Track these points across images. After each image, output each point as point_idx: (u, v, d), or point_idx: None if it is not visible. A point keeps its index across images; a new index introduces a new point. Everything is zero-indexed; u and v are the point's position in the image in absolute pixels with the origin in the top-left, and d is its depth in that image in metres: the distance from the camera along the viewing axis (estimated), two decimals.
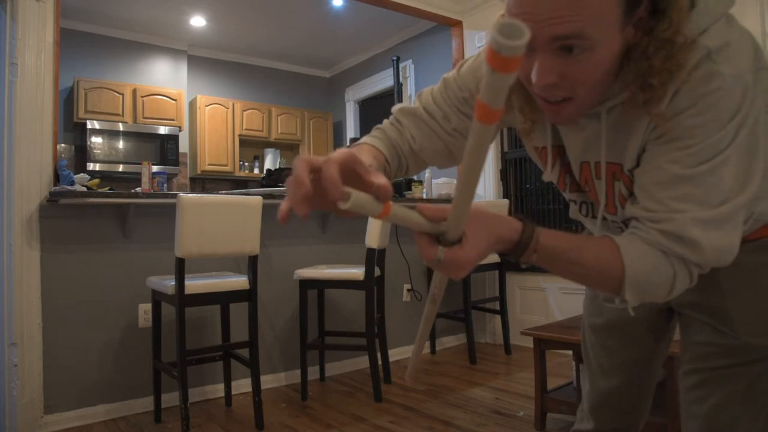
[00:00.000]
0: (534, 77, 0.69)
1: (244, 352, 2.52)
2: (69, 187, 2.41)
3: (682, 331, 0.98)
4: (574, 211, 0.99)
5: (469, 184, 0.60)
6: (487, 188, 4.02)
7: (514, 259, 0.73)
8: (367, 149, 0.89)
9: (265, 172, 4.17)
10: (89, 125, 4.74)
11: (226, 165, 5.62)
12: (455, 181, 4.00)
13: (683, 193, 0.71)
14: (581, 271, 0.75)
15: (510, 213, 3.75)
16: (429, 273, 3.69)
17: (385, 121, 0.98)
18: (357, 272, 2.72)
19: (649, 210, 0.74)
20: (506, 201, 3.68)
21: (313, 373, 3.10)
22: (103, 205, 2.58)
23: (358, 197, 0.57)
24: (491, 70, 0.46)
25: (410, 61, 5.13)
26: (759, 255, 0.86)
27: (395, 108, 0.97)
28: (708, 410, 0.89)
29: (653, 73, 0.69)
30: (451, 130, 0.92)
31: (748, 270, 0.86)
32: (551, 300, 3.67)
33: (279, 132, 6.00)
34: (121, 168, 4.86)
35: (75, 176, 2.54)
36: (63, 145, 4.78)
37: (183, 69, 5.49)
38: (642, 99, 0.71)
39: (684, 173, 0.71)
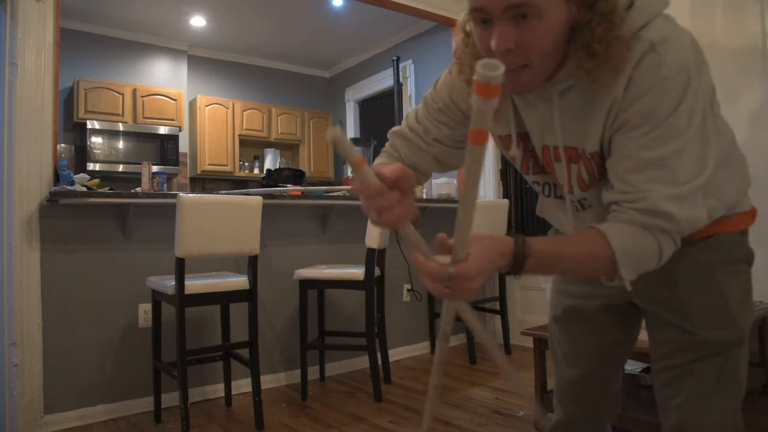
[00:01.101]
0: (493, 44, 0.78)
1: (244, 352, 2.51)
2: (69, 187, 2.41)
3: (648, 331, 1.04)
4: (539, 205, 1.09)
5: (468, 202, 0.68)
6: (487, 188, 4.02)
7: (515, 271, 0.78)
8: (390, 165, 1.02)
9: (265, 172, 4.17)
10: (89, 125, 4.74)
11: (226, 165, 5.62)
12: (455, 181, 4.02)
13: (652, 176, 0.79)
14: (576, 265, 0.84)
15: (510, 213, 3.77)
16: None
17: (387, 144, 1.10)
18: (357, 272, 2.72)
19: (624, 192, 0.81)
20: (506, 201, 3.68)
21: (313, 373, 3.10)
22: (103, 205, 2.58)
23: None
24: (480, 99, 0.57)
25: (410, 61, 5.13)
26: (712, 253, 0.94)
27: (389, 132, 1.10)
28: (680, 405, 0.96)
29: (596, 39, 0.77)
30: (431, 141, 1.04)
31: (703, 268, 0.95)
32: None
33: (279, 132, 6.00)
34: (121, 168, 4.86)
35: (75, 176, 2.54)
36: (63, 145, 4.78)
37: (183, 69, 5.49)
38: (588, 66, 0.79)
39: (650, 157, 0.79)
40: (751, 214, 0.99)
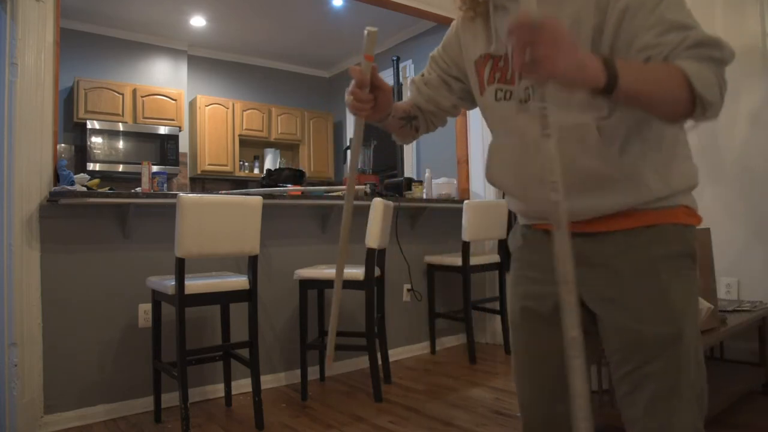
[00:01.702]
0: None
1: (244, 352, 2.52)
2: (69, 187, 2.41)
3: (603, 342, 1.04)
4: (488, 161, 1.16)
5: None
6: (488, 188, 4.01)
7: (611, 71, 0.77)
8: (403, 101, 1.25)
9: (265, 172, 4.17)
10: (89, 125, 4.74)
11: (226, 165, 5.63)
12: (455, 181, 4.01)
13: (683, 30, 0.84)
14: (661, 76, 0.82)
15: (510, 213, 3.76)
16: (429, 273, 3.70)
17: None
18: (357, 272, 2.72)
19: (666, 45, 0.84)
20: (506, 201, 3.68)
21: (313, 373, 3.10)
22: (103, 205, 2.58)
23: None
24: None
25: (410, 61, 5.13)
26: (656, 247, 0.96)
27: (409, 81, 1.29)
28: (643, 411, 0.95)
29: None
30: (423, 85, 1.23)
31: (646, 262, 0.95)
32: None
33: (279, 132, 6.00)
34: (121, 168, 4.86)
35: (75, 176, 2.54)
36: (63, 145, 4.78)
37: (183, 69, 5.49)
38: None
39: (672, 19, 0.84)
40: (696, 216, 1.01)
